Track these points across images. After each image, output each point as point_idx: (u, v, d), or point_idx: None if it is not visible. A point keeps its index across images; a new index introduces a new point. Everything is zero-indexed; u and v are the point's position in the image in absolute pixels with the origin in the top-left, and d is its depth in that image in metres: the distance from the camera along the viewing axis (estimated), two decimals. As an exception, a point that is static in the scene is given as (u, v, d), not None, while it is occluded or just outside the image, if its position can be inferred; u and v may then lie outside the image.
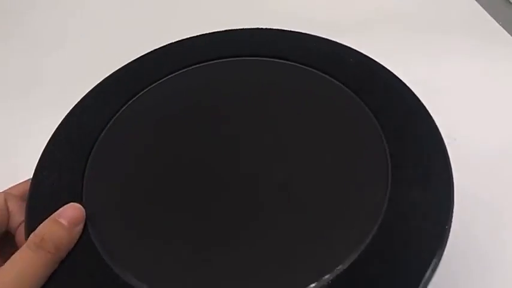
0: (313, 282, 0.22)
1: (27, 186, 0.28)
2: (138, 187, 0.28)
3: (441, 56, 0.50)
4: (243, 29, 0.37)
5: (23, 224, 0.27)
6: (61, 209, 0.26)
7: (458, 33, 0.52)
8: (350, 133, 0.29)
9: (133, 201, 0.27)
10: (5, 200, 0.28)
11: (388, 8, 0.57)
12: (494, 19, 0.53)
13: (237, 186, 0.27)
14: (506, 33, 0.51)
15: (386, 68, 0.32)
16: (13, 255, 0.23)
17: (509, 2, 0.55)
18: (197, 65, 0.34)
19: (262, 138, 0.29)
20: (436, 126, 0.28)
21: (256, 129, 0.30)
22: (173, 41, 0.36)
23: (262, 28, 0.36)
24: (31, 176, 0.29)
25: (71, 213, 0.25)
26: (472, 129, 0.42)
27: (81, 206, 0.26)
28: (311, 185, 0.26)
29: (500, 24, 0.52)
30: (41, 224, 0.25)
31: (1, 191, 0.30)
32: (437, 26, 0.54)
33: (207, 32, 0.37)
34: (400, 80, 0.31)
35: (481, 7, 0.54)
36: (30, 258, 0.23)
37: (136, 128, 0.31)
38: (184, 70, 0.34)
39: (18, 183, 0.30)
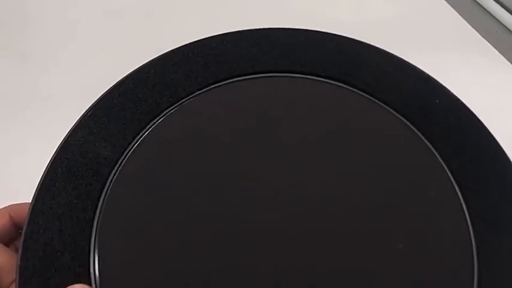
0: None
1: (24, 211, 0.23)
2: (164, 249, 0.22)
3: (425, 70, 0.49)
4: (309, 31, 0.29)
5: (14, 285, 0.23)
6: None
7: (441, 46, 0.52)
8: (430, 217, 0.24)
9: (158, 274, 0.22)
10: None
11: (368, 24, 0.56)
12: (476, 30, 0.53)
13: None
14: (489, 45, 0.52)
15: (480, 122, 0.26)
16: None
17: (489, 13, 0.56)
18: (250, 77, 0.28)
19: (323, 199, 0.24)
20: None
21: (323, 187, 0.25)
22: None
23: (339, 36, 0.30)
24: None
25: None
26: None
27: None
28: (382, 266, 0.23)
29: (483, 36, 0.53)
30: None
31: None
32: (419, 39, 0.53)
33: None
34: (496, 142, 0.25)
35: (463, 19, 0.54)
36: None
37: (160, 161, 0.25)
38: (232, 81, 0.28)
39: (10, 205, 0.25)
